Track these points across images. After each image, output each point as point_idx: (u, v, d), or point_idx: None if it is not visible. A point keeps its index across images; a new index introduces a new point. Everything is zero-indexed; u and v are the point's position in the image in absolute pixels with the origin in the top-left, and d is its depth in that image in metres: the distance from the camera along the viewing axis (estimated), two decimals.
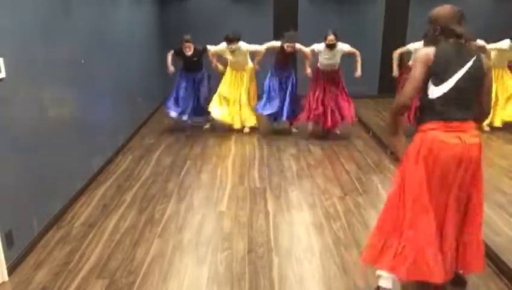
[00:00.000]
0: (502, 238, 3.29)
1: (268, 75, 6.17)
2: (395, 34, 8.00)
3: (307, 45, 5.96)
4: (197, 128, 6.41)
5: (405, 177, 2.47)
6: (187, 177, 4.63)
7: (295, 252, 3.16)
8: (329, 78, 5.90)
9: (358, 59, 5.80)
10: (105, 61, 4.92)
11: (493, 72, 5.97)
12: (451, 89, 2.35)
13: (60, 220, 3.63)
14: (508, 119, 6.16)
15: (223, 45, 6.01)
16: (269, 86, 6.12)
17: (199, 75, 6.29)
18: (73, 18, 4.05)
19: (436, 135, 2.36)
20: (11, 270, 2.89)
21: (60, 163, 3.69)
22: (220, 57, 6.28)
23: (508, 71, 6.30)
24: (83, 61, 4.23)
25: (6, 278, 2.83)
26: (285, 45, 5.77)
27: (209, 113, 6.23)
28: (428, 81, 2.40)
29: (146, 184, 4.43)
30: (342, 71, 5.99)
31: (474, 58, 2.37)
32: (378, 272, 2.60)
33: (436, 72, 2.37)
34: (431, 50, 2.39)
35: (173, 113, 6.22)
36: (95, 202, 4.02)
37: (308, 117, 5.99)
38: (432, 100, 2.39)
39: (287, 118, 6.11)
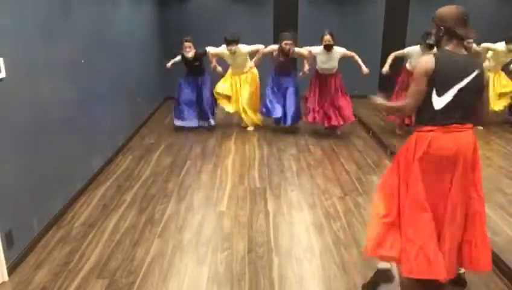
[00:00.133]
0: (502, 238, 3.29)
1: (270, 80, 6.21)
2: (395, 34, 7.99)
3: (305, 46, 6.00)
4: (196, 128, 6.40)
5: (406, 175, 2.48)
6: (187, 177, 4.63)
7: (295, 252, 3.16)
8: (328, 81, 5.92)
9: (358, 59, 5.80)
10: (105, 61, 4.92)
11: (489, 74, 6.10)
12: (453, 99, 2.38)
13: (60, 220, 3.64)
14: (497, 108, 6.34)
15: (223, 47, 6.04)
16: (271, 90, 6.17)
17: (201, 79, 6.29)
18: (73, 18, 4.05)
19: (434, 136, 2.39)
20: (11, 270, 2.89)
21: (60, 163, 3.69)
22: (220, 61, 6.30)
23: (502, 73, 6.37)
24: (83, 61, 4.23)
25: (6, 278, 2.84)
26: (283, 43, 5.79)
27: (213, 116, 6.34)
28: (431, 89, 2.40)
29: (146, 184, 4.43)
30: (341, 76, 6.03)
31: (477, 71, 2.39)
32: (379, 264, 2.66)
33: (438, 82, 2.38)
34: (431, 60, 2.39)
35: (179, 122, 6.32)
36: (95, 202, 4.02)
37: (314, 119, 6.04)
38: (434, 110, 2.41)
39: (292, 123, 6.15)
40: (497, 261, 2.92)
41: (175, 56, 6.24)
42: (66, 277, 2.88)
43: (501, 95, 6.34)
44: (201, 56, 6.16)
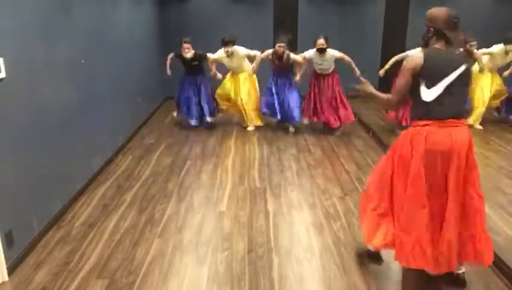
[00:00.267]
0: (502, 238, 3.29)
1: (269, 80, 6.29)
2: (395, 34, 7.99)
3: (305, 46, 6.04)
4: (197, 127, 6.41)
5: (401, 169, 2.56)
6: (187, 177, 4.63)
7: (295, 252, 3.16)
8: (326, 80, 6.08)
9: (351, 61, 5.92)
10: (105, 61, 4.92)
11: (485, 75, 6.24)
12: (443, 92, 2.46)
13: (60, 220, 3.64)
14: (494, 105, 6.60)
15: (220, 51, 6.13)
16: (270, 91, 6.25)
17: (200, 78, 6.34)
18: (73, 18, 4.05)
19: (430, 131, 2.46)
20: (11, 270, 2.89)
21: (60, 163, 3.69)
22: (219, 67, 6.39)
23: (498, 76, 6.44)
24: (83, 61, 4.23)
25: (6, 278, 2.84)
26: (277, 45, 5.92)
27: (211, 116, 6.40)
28: (419, 83, 2.50)
29: (146, 184, 4.43)
30: (338, 76, 6.13)
31: (464, 65, 2.49)
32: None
33: (427, 76, 2.48)
34: (420, 56, 2.50)
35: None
36: (95, 202, 4.02)
37: (310, 118, 6.22)
38: (426, 102, 2.49)
39: (295, 121, 6.21)
40: (497, 261, 2.92)
41: (171, 54, 6.35)
42: (66, 277, 2.88)
43: (495, 94, 6.46)
44: (200, 57, 6.21)
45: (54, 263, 3.05)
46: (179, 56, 6.19)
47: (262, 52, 6.14)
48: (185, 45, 6.06)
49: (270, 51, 6.05)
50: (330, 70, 6.04)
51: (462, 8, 8.00)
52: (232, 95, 6.43)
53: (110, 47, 5.12)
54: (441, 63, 2.48)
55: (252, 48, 6.26)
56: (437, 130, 2.45)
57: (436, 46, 2.53)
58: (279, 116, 6.23)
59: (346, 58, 5.87)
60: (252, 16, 8.15)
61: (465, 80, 2.51)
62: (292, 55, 5.97)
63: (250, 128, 6.42)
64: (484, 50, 6.19)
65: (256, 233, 3.43)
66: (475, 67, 6.28)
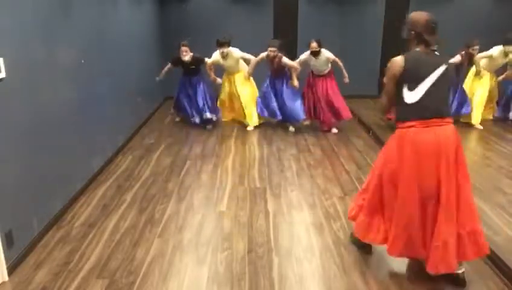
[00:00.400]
0: (502, 238, 3.29)
1: (267, 80, 6.37)
2: (395, 34, 7.97)
3: (306, 46, 6.08)
4: (197, 127, 6.41)
5: (389, 169, 2.70)
6: (187, 177, 4.63)
7: (295, 252, 3.16)
8: (322, 80, 6.21)
9: (341, 65, 6.08)
10: (105, 61, 4.92)
11: (483, 77, 6.37)
12: (425, 93, 2.58)
13: (60, 220, 3.64)
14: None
15: (216, 53, 6.21)
16: (266, 91, 6.34)
17: (197, 78, 6.44)
18: (73, 18, 4.05)
19: (415, 132, 2.58)
20: (11, 270, 2.89)
21: (60, 163, 3.69)
22: (216, 68, 6.47)
23: (494, 77, 6.53)
24: (83, 61, 4.23)
25: (6, 278, 2.83)
26: (268, 50, 6.05)
27: (210, 111, 6.44)
28: (402, 86, 2.62)
29: (146, 184, 4.43)
30: (335, 77, 6.25)
31: (444, 66, 2.61)
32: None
33: (408, 79, 2.60)
34: (401, 60, 2.62)
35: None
36: (95, 202, 4.02)
37: (315, 117, 6.35)
38: (409, 104, 2.61)
39: (295, 119, 6.27)
40: (497, 261, 2.92)
41: (168, 62, 6.46)
42: (66, 277, 2.88)
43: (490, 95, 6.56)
44: (198, 61, 6.29)
45: (54, 263, 3.05)
46: (177, 62, 6.28)
47: (256, 56, 6.22)
48: (183, 48, 6.14)
49: (263, 54, 6.14)
50: (326, 71, 6.20)
51: (462, 8, 8.11)
52: (231, 92, 6.52)
53: (110, 47, 5.12)
54: (422, 65, 2.60)
55: (251, 49, 6.30)
56: (422, 130, 2.57)
57: (417, 49, 2.65)
58: (279, 117, 6.28)
59: (338, 62, 6.07)
60: (252, 16, 8.15)
61: (445, 79, 2.61)
62: (284, 60, 6.06)
63: (250, 128, 6.42)
64: (483, 54, 6.26)
65: (256, 233, 3.43)
66: (472, 70, 6.41)
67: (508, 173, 4.68)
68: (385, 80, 2.72)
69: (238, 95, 6.45)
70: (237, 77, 6.46)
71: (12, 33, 2.98)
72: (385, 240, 2.80)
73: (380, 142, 5.65)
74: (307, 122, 6.50)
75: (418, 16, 2.67)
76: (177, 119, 6.89)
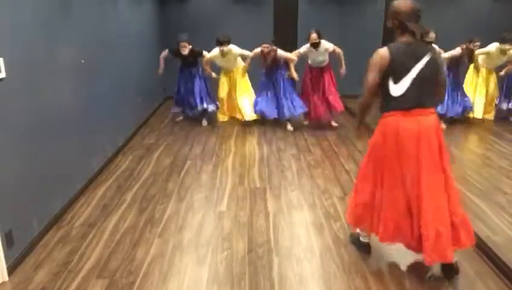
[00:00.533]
0: (502, 238, 3.29)
1: (262, 78, 6.46)
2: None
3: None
4: (197, 127, 6.42)
5: (375, 157, 2.76)
6: (187, 177, 4.63)
7: (295, 252, 3.16)
8: (320, 74, 6.25)
9: (341, 57, 6.08)
10: (105, 61, 4.92)
11: (482, 72, 6.48)
12: (410, 85, 2.57)
13: (60, 220, 3.64)
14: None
15: (216, 51, 6.24)
16: (262, 87, 6.45)
17: (194, 70, 6.61)
18: (73, 18, 4.05)
19: (397, 120, 2.61)
20: (11, 270, 2.89)
21: (60, 163, 3.69)
22: (212, 64, 6.55)
23: (494, 74, 6.60)
24: (83, 61, 4.23)
25: (6, 278, 2.83)
26: (262, 46, 6.11)
27: (208, 102, 6.66)
28: (387, 78, 2.61)
29: (146, 184, 4.43)
30: (332, 70, 6.32)
31: (429, 54, 2.59)
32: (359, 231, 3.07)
33: (393, 72, 2.58)
34: (385, 52, 2.59)
35: (176, 109, 6.81)
36: (95, 202, 4.02)
37: (310, 116, 6.43)
38: (394, 96, 2.62)
39: (291, 115, 6.35)
40: (497, 261, 2.92)
41: (166, 49, 6.61)
42: (66, 277, 2.88)
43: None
44: (196, 54, 6.42)
45: (53, 263, 3.04)
46: (176, 53, 6.42)
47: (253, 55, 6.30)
48: (182, 44, 6.28)
49: (258, 49, 6.18)
50: (325, 63, 6.20)
51: (462, 8, 8.10)
52: (230, 88, 6.63)
53: (110, 47, 5.12)
54: (406, 56, 2.57)
55: (251, 49, 6.31)
56: (404, 119, 2.60)
57: (402, 39, 2.61)
58: (276, 115, 6.38)
59: (337, 50, 6.04)
60: (252, 16, 8.15)
61: (430, 69, 2.59)
62: (279, 52, 6.11)
63: (247, 117, 6.50)
64: (481, 50, 6.34)
65: (256, 233, 3.43)
66: (472, 66, 6.51)
67: (508, 173, 4.68)
68: (368, 72, 2.66)
69: (236, 90, 6.57)
70: (236, 73, 6.56)
71: (12, 33, 2.98)
72: (377, 228, 2.83)
73: None
74: (306, 123, 6.53)
75: (401, 3, 2.60)
76: (181, 118, 6.93)
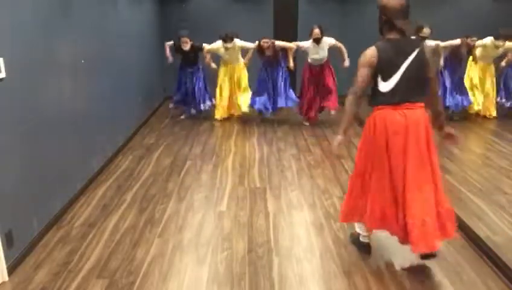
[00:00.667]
0: (502, 238, 3.29)
1: (260, 72, 6.56)
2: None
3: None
4: (197, 127, 6.42)
5: (365, 149, 2.80)
6: (187, 177, 4.63)
7: (295, 252, 3.16)
8: (320, 71, 6.29)
9: (344, 50, 6.15)
10: (105, 61, 4.92)
11: (479, 66, 6.59)
12: (399, 81, 2.60)
13: (60, 220, 3.63)
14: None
15: (218, 43, 6.36)
16: (260, 81, 6.54)
17: (195, 68, 6.74)
18: (73, 18, 4.05)
19: (386, 113, 2.65)
20: (11, 270, 2.89)
21: (59, 163, 3.69)
22: (213, 55, 6.66)
23: (492, 66, 6.69)
24: (82, 61, 4.23)
25: (6, 278, 2.83)
26: (262, 41, 6.21)
27: (205, 103, 6.85)
28: (376, 76, 2.65)
29: (146, 184, 4.43)
30: (332, 66, 6.38)
31: (417, 50, 2.61)
32: (357, 227, 3.08)
33: (382, 70, 2.62)
34: (373, 51, 2.62)
35: (171, 105, 7.01)
36: (95, 202, 4.02)
37: (310, 115, 6.54)
38: (383, 92, 2.66)
39: (281, 106, 6.53)
40: (497, 261, 2.92)
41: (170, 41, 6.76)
42: (66, 277, 2.88)
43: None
44: (197, 49, 6.55)
45: (53, 263, 3.04)
46: (178, 49, 6.56)
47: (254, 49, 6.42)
48: (183, 39, 6.43)
49: (256, 43, 6.30)
50: (325, 60, 6.23)
51: (462, 7, 8.09)
52: (231, 83, 6.74)
53: (110, 47, 5.12)
54: (394, 54, 2.59)
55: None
56: (392, 112, 2.63)
57: (389, 36, 2.63)
58: (270, 110, 6.55)
59: (339, 44, 6.11)
60: (252, 15, 8.15)
61: (419, 64, 2.60)
62: (277, 43, 6.22)
63: (244, 109, 6.67)
64: (479, 42, 6.43)
65: (256, 233, 3.43)
66: (470, 59, 6.67)
67: (508, 173, 4.67)
68: (358, 71, 2.71)
69: (235, 87, 6.69)
70: (236, 67, 6.68)
71: (12, 33, 2.98)
72: (364, 215, 2.86)
73: None
74: (306, 123, 6.54)
75: (389, 0, 2.61)
76: (182, 117, 7.00)
